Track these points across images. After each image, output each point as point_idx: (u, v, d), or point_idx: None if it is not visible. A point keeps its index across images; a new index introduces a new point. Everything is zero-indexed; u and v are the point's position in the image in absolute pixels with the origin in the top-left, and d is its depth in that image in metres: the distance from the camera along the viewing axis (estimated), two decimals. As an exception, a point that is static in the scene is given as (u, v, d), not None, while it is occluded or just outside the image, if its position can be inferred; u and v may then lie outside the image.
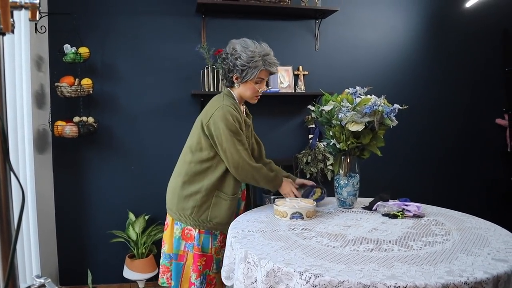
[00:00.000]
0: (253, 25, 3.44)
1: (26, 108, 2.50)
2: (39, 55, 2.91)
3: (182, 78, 3.34)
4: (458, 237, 1.60)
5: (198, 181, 2.06)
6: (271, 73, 2.10)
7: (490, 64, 3.94)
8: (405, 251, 1.44)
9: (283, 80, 3.47)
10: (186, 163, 2.10)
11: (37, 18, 0.71)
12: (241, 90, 2.08)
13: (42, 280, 0.85)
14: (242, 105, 2.22)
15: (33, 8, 0.71)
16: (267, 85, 3.37)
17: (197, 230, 2.06)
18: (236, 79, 2.06)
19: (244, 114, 2.21)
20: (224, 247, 1.84)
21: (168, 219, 2.16)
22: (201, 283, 2.06)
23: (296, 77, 3.53)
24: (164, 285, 2.21)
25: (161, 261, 2.20)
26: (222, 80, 2.18)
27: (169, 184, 2.20)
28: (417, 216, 1.91)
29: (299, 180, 2.27)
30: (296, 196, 2.11)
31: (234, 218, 2.05)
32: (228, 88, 2.15)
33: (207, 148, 2.05)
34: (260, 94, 2.12)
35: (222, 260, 2.06)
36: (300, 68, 3.54)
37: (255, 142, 2.33)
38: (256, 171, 2.02)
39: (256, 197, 3.16)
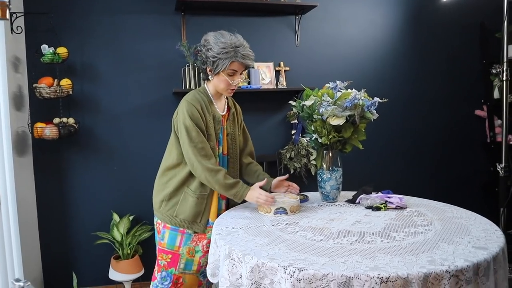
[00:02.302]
0: (233, 21, 3.42)
1: (4, 110, 2.46)
2: (16, 56, 2.86)
3: (163, 76, 3.31)
4: (439, 227, 1.62)
5: (169, 176, 2.07)
6: (246, 67, 2.05)
7: (468, 57, 4.00)
8: (388, 242, 1.46)
9: (265, 76, 3.47)
10: (164, 159, 2.13)
11: (7, 16, 0.70)
12: (215, 82, 2.05)
13: (21, 284, 0.84)
14: (226, 99, 2.19)
15: (2, 6, 0.70)
16: (249, 82, 3.39)
17: (163, 224, 2.06)
18: (210, 71, 2.04)
19: (225, 107, 2.17)
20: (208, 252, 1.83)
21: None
22: (164, 279, 2.04)
23: (277, 73, 3.53)
24: None
25: None
26: (200, 74, 2.16)
27: None
28: (400, 207, 1.93)
29: (275, 180, 2.16)
30: (267, 200, 1.91)
31: (206, 219, 2.05)
32: (205, 83, 2.14)
33: (177, 145, 2.05)
34: (235, 87, 2.07)
35: (200, 263, 2.08)
36: (281, 64, 3.54)
37: (243, 138, 2.29)
38: (210, 173, 1.93)
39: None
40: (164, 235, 2.05)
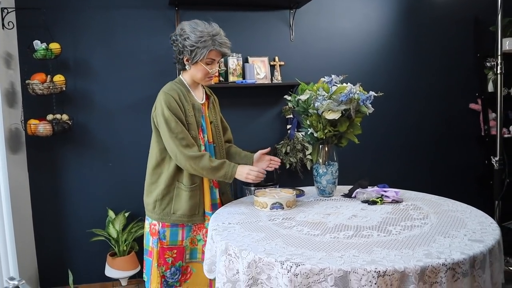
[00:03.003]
0: (227, 16, 3.41)
1: (-4, 107, 2.44)
2: (8, 52, 2.83)
3: (157, 71, 3.29)
4: (435, 220, 1.62)
5: (157, 174, 2.04)
6: (223, 55, 2.04)
7: (462, 51, 4.01)
8: (384, 236, 1.46)
9: (260, 71, 3.46)
10: (149, 157, 2.10)
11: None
12: (192, 72, 2.03)
13: (15, 282, 0.83)
14: (203, 87, 2.18)
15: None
16: (244, 77, 3.38)
17: (160, 224, 2.03)
18: (187, 60, 2.01)
19: (203, 96, 2.15)
20: None
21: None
22: (173, 274, 2.03)
23: (272, 68, 3.52)
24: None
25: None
26: (175, 63, 2.13)
27: None
28: (396, 201, 1.93)
29: (256, 154, 2.17)
30: (257, 175, 1.95)
31: (203, 209, 2.05)
32: (180, 73, 2.12)
33: (159, 140, 2.02)
34: (213, 76, 2.06)
35: (204, 251, 2.05)
36: (276, 58, 3.53)
37: (222, 127, 2.27)
38: (194, 161, 1.91)
39: (236, 189, 3.15)
40: (165, 234, 2.03)
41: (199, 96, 2.12)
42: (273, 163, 2.15)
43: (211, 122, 2.15)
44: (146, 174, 2.11)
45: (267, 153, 2.18)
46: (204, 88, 2.20)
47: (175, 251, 2.04)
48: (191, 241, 2.08)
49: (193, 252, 2.09)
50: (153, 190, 2.05)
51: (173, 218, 2.02)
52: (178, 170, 2.01)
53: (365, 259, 1.25)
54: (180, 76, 2.12)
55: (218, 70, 2.09)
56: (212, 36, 1.94)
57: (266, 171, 2.07)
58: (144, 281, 2.14)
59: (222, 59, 3.29)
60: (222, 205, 2.14)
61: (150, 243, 2.08)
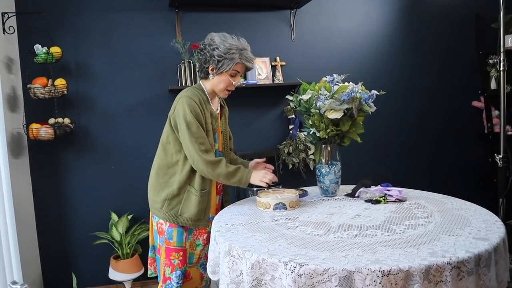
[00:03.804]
0: (228, 17, 3.41)
1: (-2, 111, 2.44)
2: (9, 57, 2.83)
3: (158, 74, 3.29)
4: (439, 219, 1.61)
5: (169, 175, 2.07)
6: (247, 69, 2.09)
7: (464, 48, 3.99)
8: (388, 235, 1.45)
9: (261, 71, 3.45)
10: (159, 157, 2.11)
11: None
12: (215, 81, 2.06)
13: (18, 286, 0.83)
14: (218, 99, 2.21)
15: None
16: (245, 78, 3.38)
17: (168, 224, 2.05)
18: (212, 70, 2.04)
19: (218, 106, 2.19)
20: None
21: (151, 212, 2.17)
22: (179, 278, 2.04)
23: (273, 68, 3.51)
24: (152, 275, 2.25)
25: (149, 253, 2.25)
26: (198, 71, 2.16)
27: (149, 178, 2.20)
28: (399, 200, 1.92)
29: (252, 162, 2.23)
30: (272, 179, 2.00)
31: (208, 214, 2.07)
32: (200, 81, 2.14)
33: (174, 142, 2.05)
34: (233, 88, 2.10)
35: (199, 256, 2.15)
36: (278, 59, 3.52)
37: (228, 136, 2.31)
38: (212, 166, 1.95)
39: (239, 190, 3.14)
40: (172, 234, 2.05)
41: (215, 105, 2.16)
42: (268, 170, 2.16)
43: (221, 132, 2.20)
44: (153, 172, 2.13)
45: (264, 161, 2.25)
46: (220, 99, 2.23)
47: (181, 253, 2.06)
48: (190, 245, 2.11)
49: (191, 257, 2.13)
50: (163, 189, 2.06)
51: (179, 220, 2.03)
52: (192, 173, 2.03)
53: (369, 258, 1.24)
54: (200, 82, 2.14)
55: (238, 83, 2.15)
56: (240, 50, 2.00)
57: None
58: (155, 275, 2.20)
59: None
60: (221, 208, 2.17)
61: (158, 241, 2.12)
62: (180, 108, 1.99)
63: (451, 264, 1.19)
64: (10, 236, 2.45)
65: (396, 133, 3.89)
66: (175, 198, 2.04)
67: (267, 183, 2.00)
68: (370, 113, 2.00)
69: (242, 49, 2.01)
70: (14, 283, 0.84)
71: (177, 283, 2.04)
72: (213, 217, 2.04)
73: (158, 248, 2.13)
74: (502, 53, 2.83)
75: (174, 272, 2.04)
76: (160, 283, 2.08)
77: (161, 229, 2.08)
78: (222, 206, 2.24)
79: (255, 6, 3.47)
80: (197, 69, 2.22)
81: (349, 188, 2.18)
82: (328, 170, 2.06)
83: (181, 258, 2.05)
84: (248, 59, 2.03)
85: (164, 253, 2.06)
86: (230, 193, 2.37)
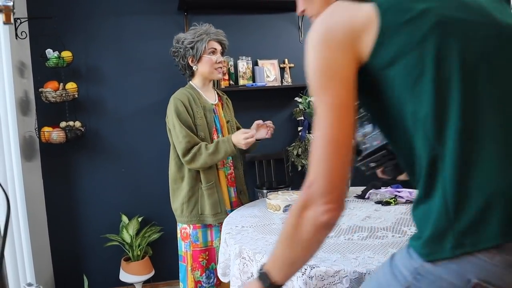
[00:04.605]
0: (236, 20, 3.42)
1: (11, 116, 2.46)
2: (21, 62, 2.87)
3: (167, 77, 3.31)
4: (450, 220, 1.60)
5: (179, 179, 2.09)
6: (222, 44, 2.13)
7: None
8: (399, 237, 1.45)
9: (269, 74, 3.46)
10: (170, 165, 2.15)
11: (12, 21, 0.70)
12: (200, 69, 2.11)
13: (34, 288, 0.84)
14: (214, 90, 2.26)
15: (7, 10, 0.70)
16: (253, 80, 3.39)
17: (192, 226, 2.07)
18: (192, 61, 2.10)
19: (216, 97, 2.22)
20: None
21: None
22: (208, 277, 2.06)
23: (282, 70, 3.52)
24: None
25: None
26: (182, 74, 2.22)
27: None
28: (410, 201, 1.91)
29: (253, 126, 2.14)
30: (251, 134, 1.96)
31: (224, 207, 2.08)
32: (189, 81, 2.20)
33: (173, 145, 2.10)
34: (220, 65, 2.13)
35: None
36: (286, 61, 3.52)
37: (235, 126, 2.33)
38: (193, 161, 1.98)
39: (249, 192, 3.15)
40: (197, 235, 2.07)
41: (210, 97, 2.18)
42: (270, 129, 2.16)
43: (227, 122, 2.21)
44: (170, 182, 2.15)
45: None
46: (215, 90, 2.26)
47: (207, 252, 2.08)
48: (220, 242, 2.10)
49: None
50: (178, 195, 2.09)
51: (202, 218, 2.05)
52: (197, 172, 2.06)
53: (380, 260, 1.24)
54: (189, 82, 2.19)
55: (226, 66, 2.18)
56: (205, 31, 2.07)
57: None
58: None
59: (232, 62, 3.31)
60: (240, 203, 2.19)
61: (183, 248, 2.12)
62: (168, 111, 2.07)
63: (463, 266, 1.19)
64: (23, 238, 2.48)
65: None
66: (191, 199, 2.05)
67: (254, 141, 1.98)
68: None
69: (206, 29, 2.08)
70: (30, 285, 0.85)
71: (208, 283, 2.06)
72: (231, 211, 2.08)
73: (183, 256, 2.13)
74: None
75: (203, 274, 2.06)
76: None
77: (185, 234, 2.09)
78: (238, 198, 2.23)
79: (263, 8, 3.47)
80: (181, 73, 2.24)
81: (359, 189, 2.18)
82: (337, 172, 2.05)
83: (207, 258, 2.07)
84: (216, 33, 2.10)
85: (191, 258, 2.07)
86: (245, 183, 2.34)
